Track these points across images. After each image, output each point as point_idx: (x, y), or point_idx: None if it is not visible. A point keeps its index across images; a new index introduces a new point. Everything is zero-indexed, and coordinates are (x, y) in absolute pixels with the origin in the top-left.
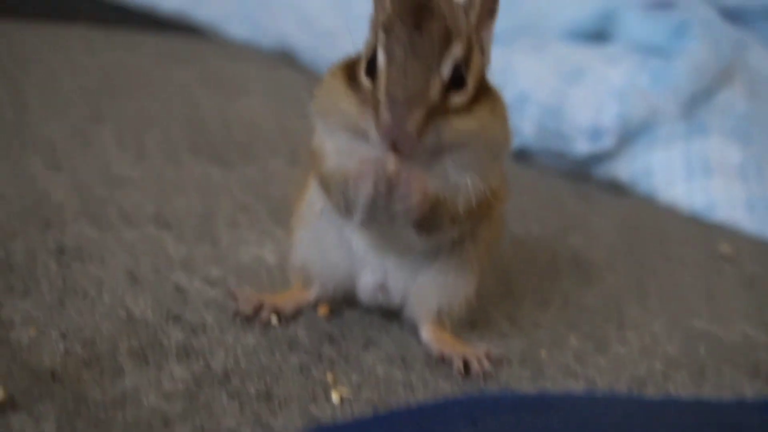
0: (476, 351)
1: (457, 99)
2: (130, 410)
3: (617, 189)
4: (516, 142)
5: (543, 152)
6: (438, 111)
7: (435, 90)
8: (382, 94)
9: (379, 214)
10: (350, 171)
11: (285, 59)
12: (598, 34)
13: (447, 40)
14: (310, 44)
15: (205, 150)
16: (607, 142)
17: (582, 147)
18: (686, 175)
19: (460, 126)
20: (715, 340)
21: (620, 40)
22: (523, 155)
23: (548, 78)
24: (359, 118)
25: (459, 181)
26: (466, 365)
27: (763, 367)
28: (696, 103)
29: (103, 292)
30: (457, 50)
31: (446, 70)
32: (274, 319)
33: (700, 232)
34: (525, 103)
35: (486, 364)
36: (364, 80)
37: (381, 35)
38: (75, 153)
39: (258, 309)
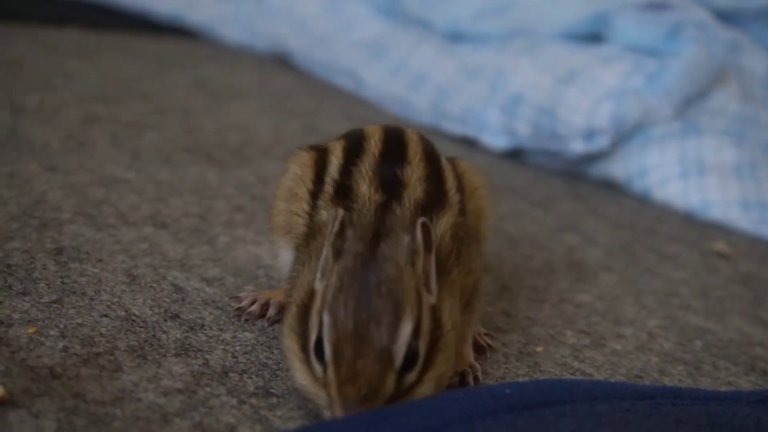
0: (471, 362)
1: (411, 377)
2: (129, 407)
3: (612, 188)
4: (511, 142)
5: (538, 152)
6: (394, 397)
7: (389, 385)
8: (333, 392)
9: None
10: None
11: (279, 62)
12: (592, 35)
13: (396, 321)
14: (304, 47)
15: (200, 152)
16: (601, 142)
17: (577, 147)
18: (681, 174)
19: (417, 396)
20: (711, 336)
21: (614, 41)
22: (517, 155)
23: (543, 79)
24: (315, 396)
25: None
26: (462, 377)
27: (758, 362)
28: (690, 103)
29: (102, 291)
30: (406, 329)
31: (399, 357)
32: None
33: (695, 230)
34: (520, 104)
35: (479, 374)
36: (315, 363)
37: (326, 320)
38: (70, 155)
39: (265, 308)
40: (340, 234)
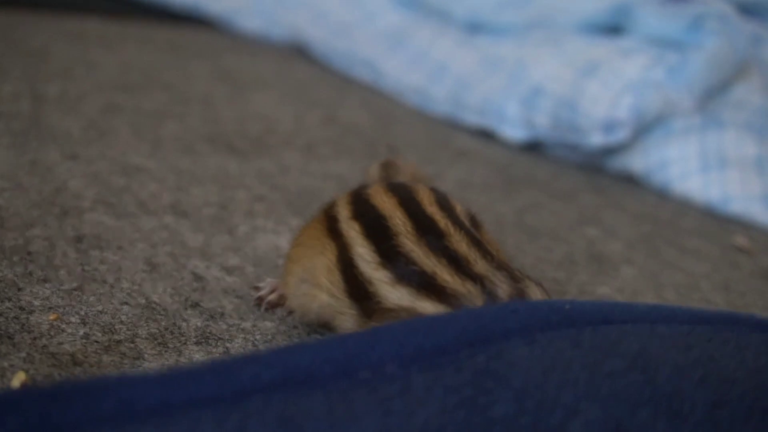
0: None
1: None
2: None
3: (632, 182)
4: (530, 134)
5: (557, 145)
6: None
7: None
8: None
9: None
10: None
11: (298, 52)
12: (613, 27)
13: None
14: (323, 37)
15: (221, 142)
16: (621, 135)
17: (596, 139)
18: (702, 167)
19: None
20: None
21: (635, 33)
22: (536, 148)
23: (563, 71)
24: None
25: None
26: None
27: None
28: (711, 96)
29: (122, 279)
30: None
31: None
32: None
33: (715, 224)
34: (540, 96)
35: None
36: None
37: None
38: (91, 144)
39: (284, 297)
40: None
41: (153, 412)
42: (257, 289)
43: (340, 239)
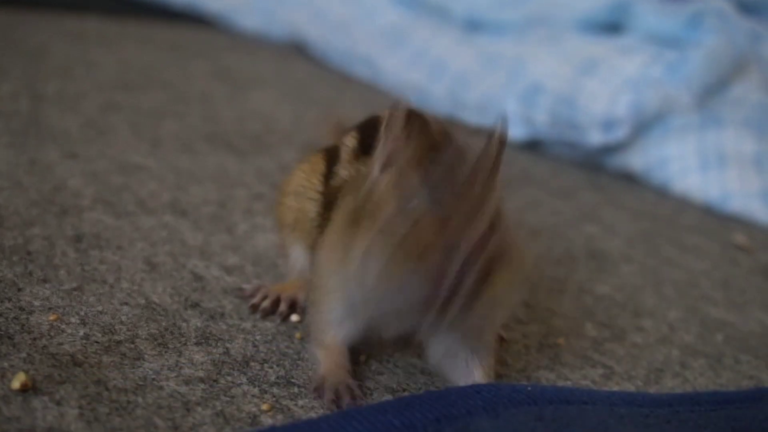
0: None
1: None
2: (151, 395)
3: (631, 180)
4: (529, 131)
5: (556, 143)
6: None
7: None
8: None
9: None
10: None
11: (297, 50)
12: (611, 25)
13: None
14: (322, 35)
15: (220, 140)
16: (620, 133)
17: (595, 137)
18: (701, 165)
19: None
20: (732, 328)
21: (634, 31)
22: (536, 147)
23: (562, 69)
24: None
25: None
26: None
27: None
28: (710, 94)
29: (122, 278)
30: None
31: None
32: (294, 317)
33: (715, 222)
34: (538, 94)
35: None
36: None
37: None
38: (90, 143)
39: (276, 303)
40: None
41: None
42: (243, 290)
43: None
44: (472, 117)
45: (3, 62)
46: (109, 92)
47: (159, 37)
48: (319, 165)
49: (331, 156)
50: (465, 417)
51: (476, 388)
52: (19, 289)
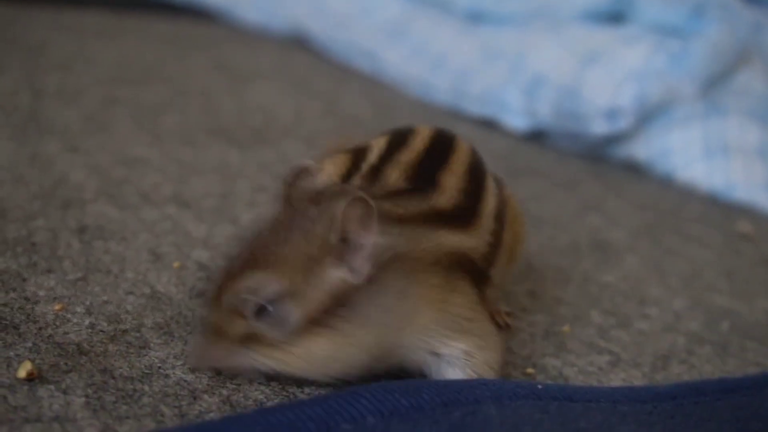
0: None
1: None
2: (158, 383)
3: (634, 170)
4: (532, 123)
5: (560, 134)
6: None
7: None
8: None
9: None
10: None
11: (297, 43)
12: (614, 15)
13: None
14: (322, 28)
15: (221, 133)
16: (624, 123)
17: (599, 128)
18: (704, 155)
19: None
20: (738, 316)
21: (637, 21)
22: (539, 138)
23: (565, 59)
24: None
25: None
26: None
27: None
28: (714, 84)
29: (126, 269)
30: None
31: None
32: None
33: (719, 212)
34: (541, 85)
35: None
36: None
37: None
38: (91, 136)
39: None
40: (293, 183)
41: None
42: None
43: None
44: (474, 109)
45: (3, 57)
46: (109, 86)
47: (159, 31)
48: (345, 160)
49: (360, 153)
50: (473, 404)
51: (482, 381)
52: (24, 280)
